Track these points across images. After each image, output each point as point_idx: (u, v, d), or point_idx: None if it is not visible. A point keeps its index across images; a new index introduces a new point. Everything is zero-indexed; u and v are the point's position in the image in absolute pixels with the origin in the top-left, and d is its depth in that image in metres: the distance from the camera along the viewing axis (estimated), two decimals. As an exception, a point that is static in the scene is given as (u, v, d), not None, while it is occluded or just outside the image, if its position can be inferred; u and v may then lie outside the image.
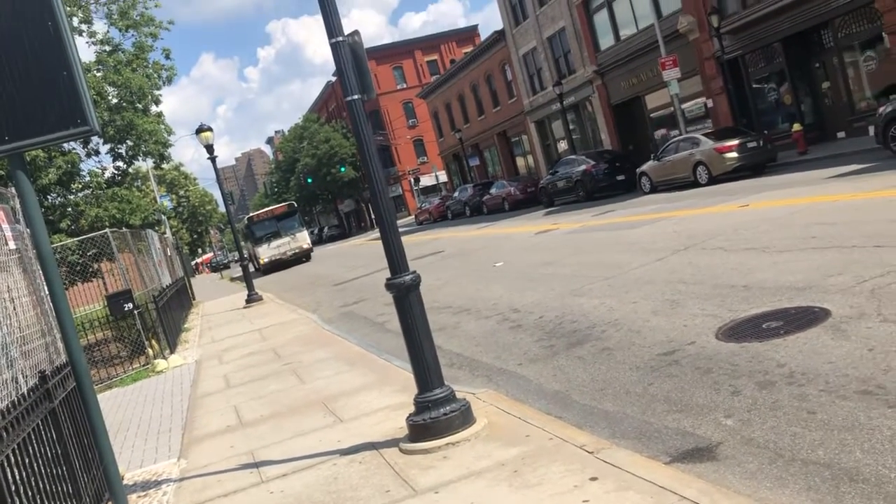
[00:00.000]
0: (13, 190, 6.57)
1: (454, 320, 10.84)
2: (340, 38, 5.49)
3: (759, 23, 24.75)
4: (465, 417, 5.54)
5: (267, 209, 44.51)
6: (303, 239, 41.64)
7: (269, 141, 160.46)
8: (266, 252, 40.41)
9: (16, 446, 4.14)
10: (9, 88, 5.07)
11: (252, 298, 21.45)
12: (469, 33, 77.94)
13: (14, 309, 5.45)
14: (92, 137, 17.84)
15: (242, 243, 41.83)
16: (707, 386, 5.53)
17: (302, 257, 41.33)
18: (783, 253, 9.20)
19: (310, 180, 75.21)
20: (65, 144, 16.91)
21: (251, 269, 34.95)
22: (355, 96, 5.54)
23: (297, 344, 12.34)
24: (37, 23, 5.14)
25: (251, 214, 43.36)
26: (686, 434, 4.86)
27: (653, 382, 5.93)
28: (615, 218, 19.27)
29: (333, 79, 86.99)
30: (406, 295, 5.57)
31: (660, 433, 4.99)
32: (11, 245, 5.74)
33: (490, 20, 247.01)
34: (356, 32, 5.56)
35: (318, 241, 75.01)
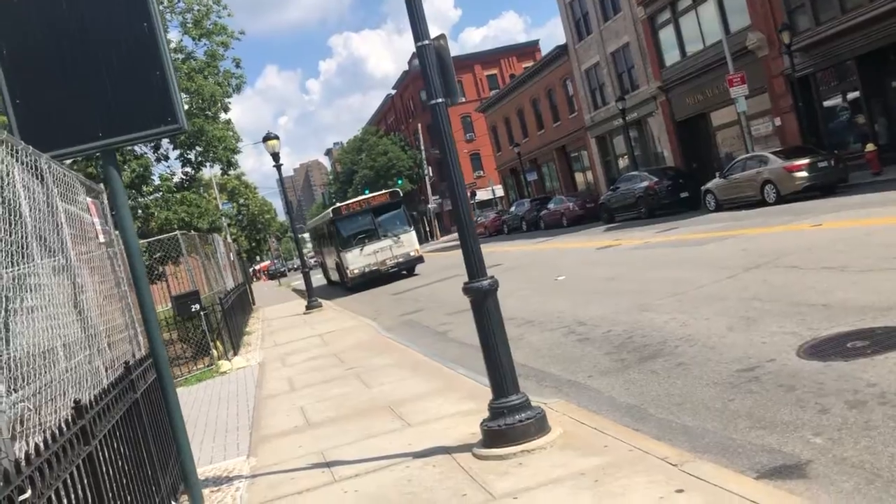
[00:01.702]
0: (102, 186, 6.78)
1: (518, 332, 10.75)
2: (427, 42, 5.52)
3: (833, 40, 24.15)
4: (540, 425, 5.47)
5: (361, 198, 30.34)
6: (410, 243, 27.87)
7: (328, 152, 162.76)
8: (357, 260, 27.18)
9: (107, 432, 4.22)
10: (104, 86, 5.22)
11: (312, 305, 21.70)
12: (530, 48, 77.93)
13: (102, 301, 5.59)
14: (162, 142, 18.36)
15: (320, 248, 37.10)
16: (791, 403, 5.36)
17: (406, 269, 28.20)
18: (863, 273, 8.91)
19: (367, 191, 76.01)
20: (137, 148, 17.43)
21: (332, 280, 33.12)
22: (440, 100, 5.56)
23: (358, 350, 12.41)
24: (133, 23, 5.28)
25: (339, 205, 29.54)
26: (772, 451, 4.71)
27: (733, 398, 5.78)
28: (680, 235, 18.95)
29: (393, 92, 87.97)
30: (484, 299, 5.55)
31: (744, 449, 4.85)
32: (102, 238, 5.91)
33: (552, 35, 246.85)
34: (442, 36, 5.59)
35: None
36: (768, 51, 27.28)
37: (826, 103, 26.37)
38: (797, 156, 21.38)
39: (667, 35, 33.63)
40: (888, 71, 23.82)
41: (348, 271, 27.46)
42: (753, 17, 27.64)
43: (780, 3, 25.84)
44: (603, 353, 8.29)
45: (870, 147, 22.46)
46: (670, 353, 7.54)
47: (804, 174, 20.55)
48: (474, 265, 5.59)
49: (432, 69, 5.56)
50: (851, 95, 25.46)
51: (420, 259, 28.29)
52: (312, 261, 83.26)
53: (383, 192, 30.71)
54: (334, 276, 32.42)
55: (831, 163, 20.99)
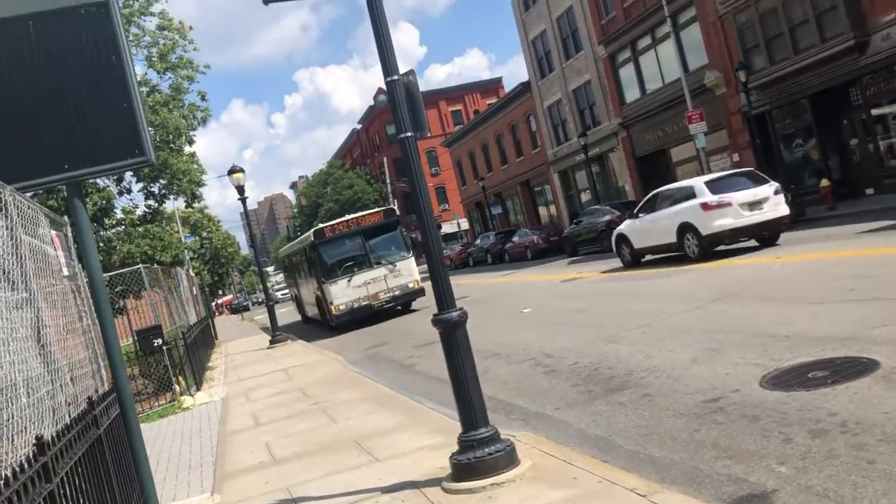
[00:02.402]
0: (66, 219, 6.69)
1: (485, 365, 10.74)
2: (396, 77, 5.59)
3: (787, 79, 24.91)
4: (509, 458, 5.47)
5: (349, 217, 24.07)
6: (408, 272, 22.62)
7: (293, 186, 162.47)
8: (344, 293, 21.79)
9: (69, 470, 4.13)
10: (71, 119, 5.18)
11: (276, 339, 21.46)
12: (493, 85, 78.99)
13: (65, 335, 5.49)
14: (125, 175, 18.17)
15: (294, 280, 30.80)
16: (756, 433, 5.44)
17: (403, 304, 23.21)
18: (823, 304, 9.11)
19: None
20: (99, 181, 17.23)
21: (309, 316, 28.09)
22: (409, 133, 5.62)
23: (324, 384, 12.29)
24: (101, 55, 5.27)
25: (321, 226, 23.82)
26: (738, 480, 4.76)
27: (699, 429, 5.84)
28: (644, 268, 19.18)
29: (358, 126, 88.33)
30: (453, 331, 5.56)
31: (711, 479, 4.90)
32: (65, 271, 5.82)
33: (515, 73, 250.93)
34: (411, 72, 5.67)
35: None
36: (726, 89, 28.02)
37: (782, 140, 27.09)
38: (755, 191, 21.79)
39: (627, 73, 34.38)
40: (840, 109, 24.60)
41: (332, 307, 21.64)
42: (711, 56, 28.41)
43: (736, 43, 26.62)
44: (570, 385, 8.32)
45: (824, 182, 23.08)
46: (636, 384, 7.60)
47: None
48: (444, 297, 5.61)
49: (402, 104, 5.62)
50: (805, 132, 26.20)
51: (420, 292, 22.30)
52: (280, 294, 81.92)
53: (375, 210, 24.52)
54: (313, 312, 26.68)
55: (788, 197, 21.47)
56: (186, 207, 32.45)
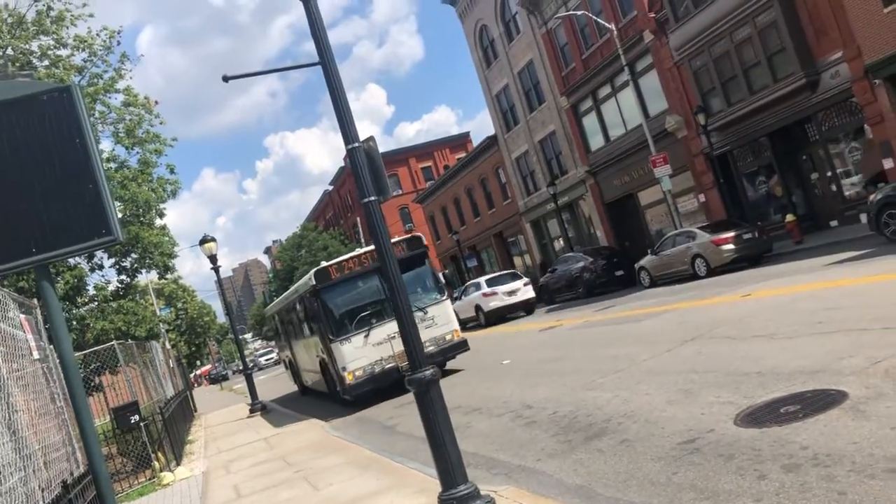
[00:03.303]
0: (35, 301, 6.69)
1: (466, 420, 10.75)
2: (357, 144, 5.74)
3: (745, 119, 25.59)
4: (491, 514, 5.33)
5: (362, 251, 17.22)
6: (445, 319, 17.03)
7: (267, 251, 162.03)
8: (360, 354, 16.09)
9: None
10: (36, 202, 5.24)
11: (255, 408, 21.21)
12: (462, 140, 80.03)
13: (36, 419, 5.46)
14: (96, 252, 18.13)
15: (287, 340, 24.10)
16: (732, 472, 5.50)
17: (441, 362, 16.77)
18: (792, 339, 9.27)
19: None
20: (70, 259, 17.18)
21: (307, 385, 22.29)
22: (372, 198, 5.74)
23: (306, 451, 12.17)
24: (65, 138, 5.37)
25: (325, 265, 17.05)
26: (717, 521, 4.80)
27: (676, 472, 5.89)
28: (618, 312, 19.35)
29: (330, 187, 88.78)
30: (427, 390, 5.61)
31: (690, 521, 4.93)
32: (36, 354, 5.81)
33: (482, 127, 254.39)
34: (371, 138, 5.82)
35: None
36: (687, 132, 28.69)
37: (745, 178, 27.70)
38: (723, 230, 22.26)
39: (590, 121, 35.11)
40: (798, 145, 25.27)
41: (346, 373, 15.75)
42: (670, 100, 29.15)
43: (693, 87, 27.36)
44: (550, 435, 8.34)
45: (789, 218, 23.56)
46: (615, 430, 7.65)
47: (731, 247, 21.36)
48: (416, 356, 5.67)
49: (363, 169, 5.76)
50: (767, 170, 26.83)
51: (462, 344, 16.76)
52: (264, 360, 79.73)
53: (396, 239, 16.89)
54: (314, 381, 20.70)
55: (756, 234, 21.90)
56: (159, 279, 32.30)
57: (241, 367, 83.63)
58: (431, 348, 15.97)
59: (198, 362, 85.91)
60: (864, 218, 19.03)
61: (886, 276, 12.10)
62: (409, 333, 5.67)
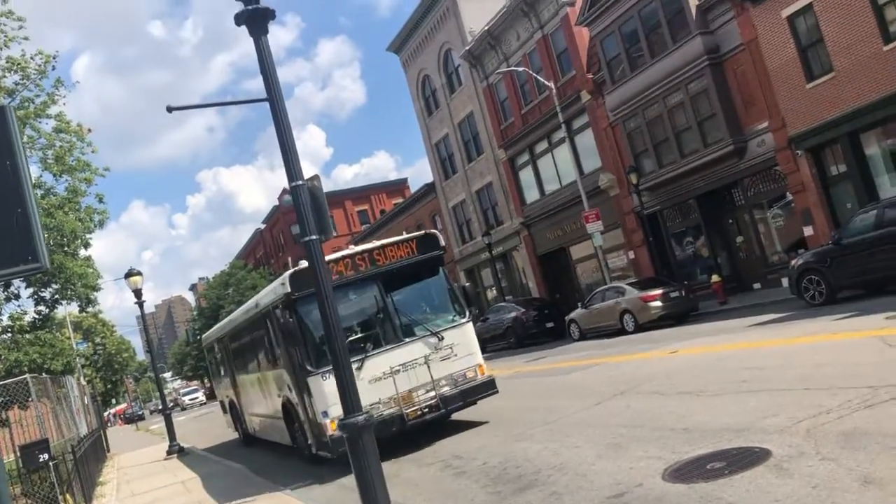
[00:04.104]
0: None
1: (395, 469, 10.56)
2: (301, 182, 5.70)
3: (675, 181, 26.47)
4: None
5: (357, 250, 12.40)
6: (466, 348, 12.25)
7: (193, 288, 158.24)
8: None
9: None
10: (-41, 224, 5.02)
11: (173, 449, 20.45)
12: (399, 185, 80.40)
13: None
14: (13, 281, 17.41)
15: (230, 372, 18.93)
16: (661, 527, 5.53)
17: (458, 408, 12.13)
18: (718, 396, 9.47)
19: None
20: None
21: (252, 434, 18.13)
22: (313, 237, 5.68)
23: (226, 496, 11.74)
24: (-5, 161, 5.18)
25: (303, 266, 10.84)
26: (646, 577, 4.80)
27: (606, 525, 5.89)
28: (549, 364, 19.49)
29: (262, 226, 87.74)
30: (360, 436, 5.50)
31: (619, 577, 4.92)
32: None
33: (420, 174, 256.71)
34: (316, 177, 5.79)
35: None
36: (619, 190, 29.48)
37: (673, 238, 28.54)
38: (651, 287, 22.80)
39: (526, 175, 35.79)
40: (725, 209, 26.24)
41: (327, 419, 11.09)
42: (604, 159, 29.98)
43: (627, 148, 28.22)
44: (480, 486, 8.27)
45: (715, 278, 24.31)
46: (544, 482, 7.63)
47: (659, 304, 21.86)
48: (350, 401, 5.57)
49: (306, 208, 5.71)
50: (694, 231, 27.72)
51: (489, 385, 12.30)
52: (188, 400, 75.14)
53: (404, 237, 12.83)
54: (264, 427, 16.40)
55: (682, 293, 22.48)
56: (80, 312, 31.16)
57: (159, 407, 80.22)
58: (446, 388, 11.69)
59: (113, 400, 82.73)
60: (785, 282, 19.80)
61: (806, 339, 12.54)
62: (345, 378, 5.57)
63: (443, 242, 12.80)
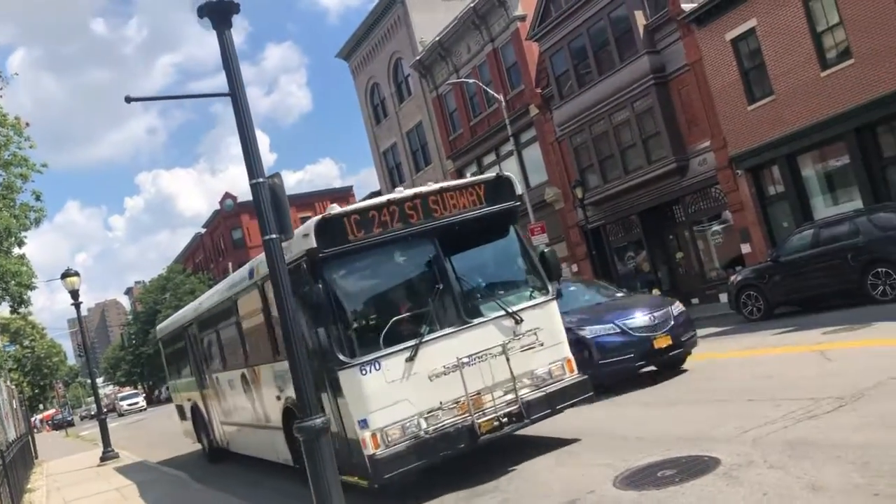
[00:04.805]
0: None
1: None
2: (262, 179, 5.60)
3: (618, 196, 26.94)
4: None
5: (411, 193, 8.64)
6: (552, 334, 8.94)
7: (129, 291, 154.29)
8: (397, 396, 7.87)
9: None
10: None
11: (108, 455, 19.82)
12: (344, 193, 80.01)
13: None
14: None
15: (200, 369, 15.30)
16: (615, 533, 5.57)
17: (538, 417, 8.53)
18: (672, 406, 9.64)
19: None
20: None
21: (216, 446, 15.28)
22: (273, 236, 5.59)
23: (164, 503, 11.43)
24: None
25: (339, 212, 8.14)
26: (602, 582, 4.83)
27: (560, 532, 5.91)
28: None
29: (203, 230, 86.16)
30: (316, 439, 5.41)
31: (576, 582, 4.93)
32: None
33: (367, 182, 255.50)
34: (277, 175, 5.70)
35: (158, 401, 70.47)
36: (564, 204, 29.87)
37: (616, 252, 29.02)
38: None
39: (474, 186, 35.90)
40: (666, 225, 26.81)
41: (366, 431, 7.68)
42: (550, 173, 30.35)
43: (573, 162, 28.61)
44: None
45: (655, 292, 24.76)
46: (496, 488, 7.64)
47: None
48: (307, 402, 5.47)
49: (267, 206, 5.61)
50: (636, 245, 28.25)
51: (584, 387, 9.00)
52: (126, 404, 71.54)
53: (470, 180, 9.60)
54: (248, 441, 12.90)
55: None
56: (12, 313, 30.01)
57: (90, 413, 76.69)
58: (527, 390, 8.52)
59: (41, 405, 79.95)
60: (723, 297, 20.30)
61: (746, 352, 12.87)
62: (301, 378, 5.48)
63: (519, 190, 9.60)
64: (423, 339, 8.02)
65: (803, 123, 20.50)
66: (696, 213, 25.56)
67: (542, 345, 8.71)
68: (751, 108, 22.02)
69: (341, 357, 7.69)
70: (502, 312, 8.59)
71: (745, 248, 23.07)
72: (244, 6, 5.78)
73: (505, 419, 8.10)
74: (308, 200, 79.39)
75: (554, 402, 8.58)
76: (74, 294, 20.62)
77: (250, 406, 11.83)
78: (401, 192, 8.58)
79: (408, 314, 8.40)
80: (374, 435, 7.58)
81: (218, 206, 78.78)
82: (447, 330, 8.24)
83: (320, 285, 7.72)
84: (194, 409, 16.41)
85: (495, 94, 30.35)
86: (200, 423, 16.22)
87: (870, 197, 19.27)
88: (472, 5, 32.35)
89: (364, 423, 7.61)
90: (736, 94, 22.39)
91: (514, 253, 9.63)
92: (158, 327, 20.11)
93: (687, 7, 23.19)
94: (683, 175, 24.64)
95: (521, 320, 8.61)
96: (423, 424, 7.77)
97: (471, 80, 31.67)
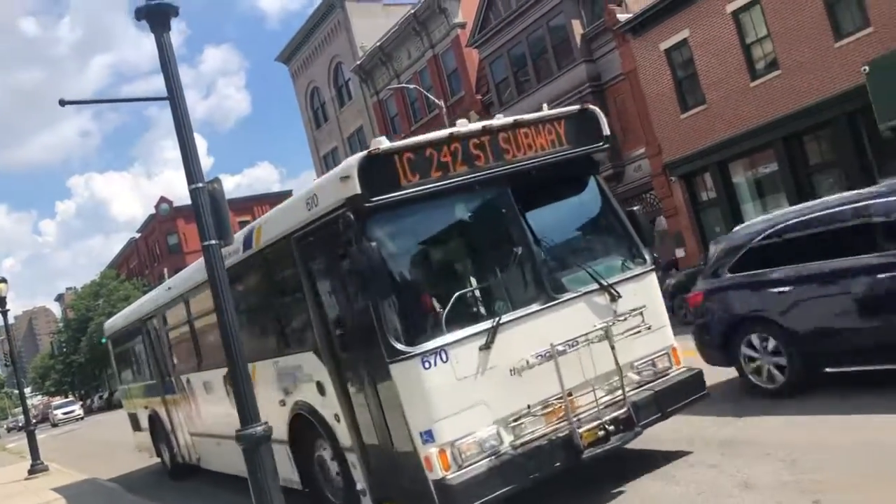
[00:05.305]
0: None
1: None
2: (200, 185, 5.54)
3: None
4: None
5: (477, 127, 6.38)
6: (658, 320, 6.95)
7: (59, 298, 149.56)
8: (472, 398, 5.73)
9: None
10: None
11: (37, 468, 19.15)
12: (284, 198, 79.00)
13: None
14: None
15: (160, 374, 12.89)
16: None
17: (651, 422, 6.55)
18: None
19: (104, 340, 70.08)
20: None
21: (198, 463, 12.04)
22: (212, 241, 5.53)
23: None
24: None
25: (388, 147, 5.80)
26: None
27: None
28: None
29: (137, 235, 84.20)
30: (257, 447, 5.36)
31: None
32: None
33: (306, 186, 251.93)
34: (217, 180, 5.64)
35: (91, 410, 68.56)
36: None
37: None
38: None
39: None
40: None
41: (434, 447, 5.55)
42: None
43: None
44: None
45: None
46: None
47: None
48: (247, 410, 5.42)
49: (206, 211, 5.55)
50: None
51: (698, 383, 7.04)
52: (62, 413, 67.20)
53: (546, 113, 6.96)
54: (237, 461, 6.71)
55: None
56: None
57: (17, 425, 73.42)
58: (631, 388, 6.52)
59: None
60: (659, 300, 20.68)
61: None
62: (241, 386, 5.42)
63: (606, 130, 7.26)
64: (501, 321, 5.94)
65: (734, 132, 21.16)
66: (632, 219, 26.07)
67: (648, 328, 6.72)
68: (684, 116, 22.62)
69: (397, 346, 5.62)
70: (595, 286, 6.54)
71: (679, 253, 23.67)
72: (182, 8, 5.71)
73: (612, 427, 6.05)
74: (247, 205, 78.32)
75: (664, 404, 6.60)
76: (1, 301, 19.90)
77: (237, 414, 8.31)
78: (465, 126, 6.50)
79: (476, 288, 6.31)
80: (442, 451, 5.53)
81: (153, 211, 77.12)
82: (531, 307, 6.16)
83: (373, 244, 5.61)
84: (153, 417, 13.85)
85: (436, 100, 30.49)
86: (161, 435, 13.69)
87: (796, 203, 19.94)
88: (412, 12, 32.48)
89: (428, 437, 5.55)
90: (670, 103, 22.98)
91: (601, 210, 7.40)
92: (107, 323, 17.48)
93: (622, 17, 23.72)
94: (619, 181, 25.14)
95: (619, 296, 6.63)
96: (507, 436, 5.80)
97: (412, 86, 31.75)
